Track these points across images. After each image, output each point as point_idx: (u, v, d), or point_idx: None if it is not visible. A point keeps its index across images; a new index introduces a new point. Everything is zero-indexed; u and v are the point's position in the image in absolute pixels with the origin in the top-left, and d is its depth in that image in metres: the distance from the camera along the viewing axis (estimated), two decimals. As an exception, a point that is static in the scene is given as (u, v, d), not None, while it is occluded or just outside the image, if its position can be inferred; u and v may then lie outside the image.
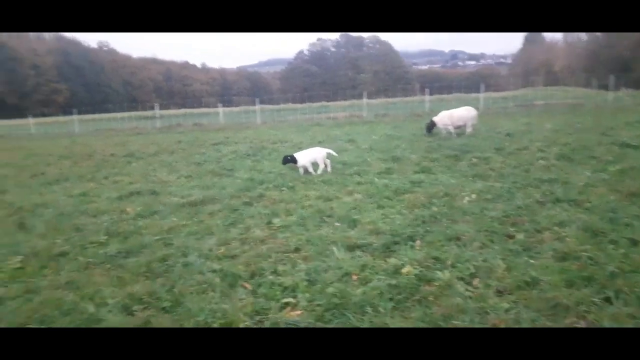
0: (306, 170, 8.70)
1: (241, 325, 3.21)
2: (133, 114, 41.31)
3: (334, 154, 9.01)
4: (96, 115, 40.10)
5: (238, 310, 3.41)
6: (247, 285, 3.89)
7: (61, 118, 41.52)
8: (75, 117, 33.67)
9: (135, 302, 3.66)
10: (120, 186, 8.62)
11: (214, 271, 4.18)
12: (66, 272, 4.42)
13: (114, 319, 3.40)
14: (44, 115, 47.09)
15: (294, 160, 8.71)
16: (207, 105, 48.69)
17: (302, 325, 3.16)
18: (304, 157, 8.75)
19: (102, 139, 21.00)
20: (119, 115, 42.53)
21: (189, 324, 3.27)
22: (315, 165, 8.79)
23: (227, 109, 31.71)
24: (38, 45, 75.74)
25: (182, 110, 42.98)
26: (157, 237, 5.28)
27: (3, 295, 3.96)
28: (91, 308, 3.60)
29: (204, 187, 7.96)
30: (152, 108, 36.42)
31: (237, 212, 6.26)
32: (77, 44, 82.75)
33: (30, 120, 35.40)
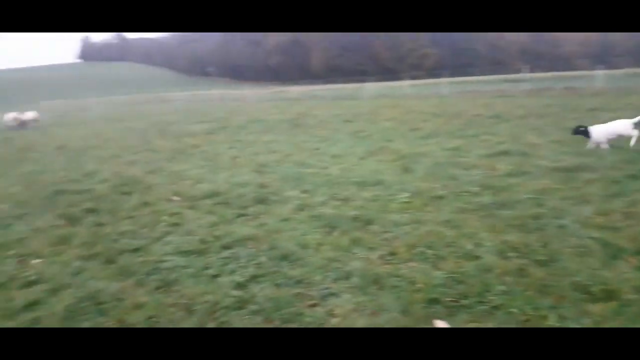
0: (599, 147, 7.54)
1: (623, 297, 3.03)
2: (496, 77, 41.50)
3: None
4: (460, 78, 42.21)
5: (621, 282, 3.21)
6: (632, 259, 3.57)
7: (430, 80, 45.69)
8: (442, 79, 36.59)
9: (509, 249, 3.94)
10: (489, 145, 9.00)
11: (592, 238, 4.00)
12: (445, 213, 5.11)
13: (490, 258, 3.78)
14: (414, 78, 52.82)
15: (586, 134, 7.69)
16: (581, 68, 43.67)
17: None
18: (599, 132, 7.59)
19: (467, 100, 22.06)
20: (482, 78, 43.64)
21: (564, 281, 3.31)
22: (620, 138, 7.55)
23: (606, 72, 27.44)
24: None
25: (551, 74, 40.11)
26: (528, 196, 5.38)
27: (397, 221, 4.93)
28: (469, 245, 4.10)
29: (577, 154, 7.42)
30: (519, 71, 35.58)
31: (619, 184, 5.63)
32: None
33: (404, 82, 40.73)
